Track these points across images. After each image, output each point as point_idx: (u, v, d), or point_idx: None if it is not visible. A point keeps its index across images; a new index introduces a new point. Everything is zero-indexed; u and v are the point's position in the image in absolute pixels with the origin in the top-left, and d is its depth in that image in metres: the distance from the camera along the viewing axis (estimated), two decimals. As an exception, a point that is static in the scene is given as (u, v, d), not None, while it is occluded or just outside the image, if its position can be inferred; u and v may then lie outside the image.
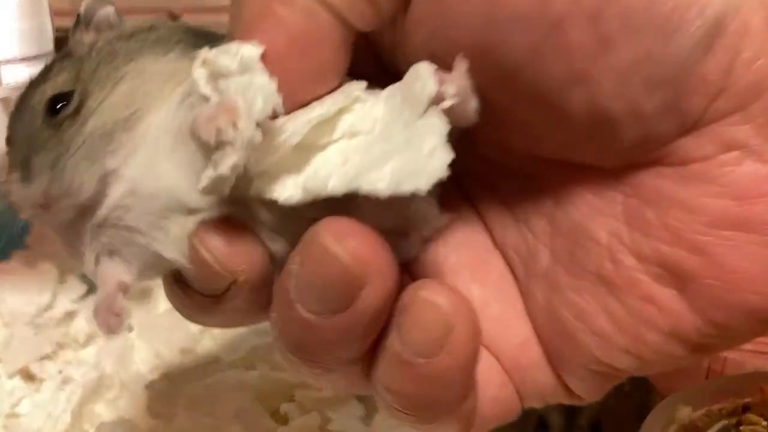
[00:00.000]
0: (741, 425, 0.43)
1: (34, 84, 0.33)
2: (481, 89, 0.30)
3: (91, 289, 0.69)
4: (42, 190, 0.30)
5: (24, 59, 0.52)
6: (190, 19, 0.98)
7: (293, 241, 0.31)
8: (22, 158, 0.30)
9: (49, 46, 0.54)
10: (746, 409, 0.44)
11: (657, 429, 0.43)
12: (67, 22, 1.07)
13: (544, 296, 0.33)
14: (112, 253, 0.32)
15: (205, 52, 0.29)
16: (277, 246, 0.31)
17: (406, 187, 0.27)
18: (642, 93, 0.28)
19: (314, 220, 0.30)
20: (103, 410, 0.60)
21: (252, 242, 0.31)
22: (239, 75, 0.28)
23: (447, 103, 0.29)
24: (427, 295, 0.29)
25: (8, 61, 0.50)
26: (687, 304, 0.30)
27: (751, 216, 0.29)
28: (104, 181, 0.31)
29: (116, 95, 0.31)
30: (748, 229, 0.29)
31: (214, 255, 0.31)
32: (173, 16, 0.95)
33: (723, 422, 0.43)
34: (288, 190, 0.29)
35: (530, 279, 0.34)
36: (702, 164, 0.29)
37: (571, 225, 0.32)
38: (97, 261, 0.32)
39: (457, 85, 0.29)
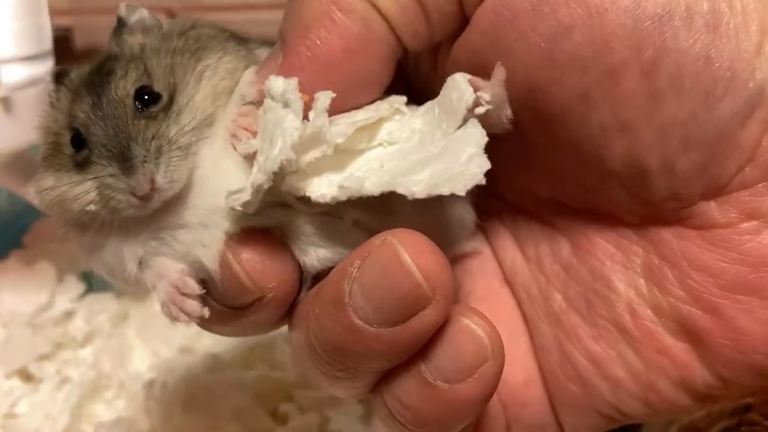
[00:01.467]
0: (742, 425, 0.43)
1: (93, 83, 0.32)
2: (523, 128, 0.31)
3: (90, 288, 0.69)
4: (149, 179, 0.29)
5: (23, 58, 0.51)
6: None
7: (335, 244, 0.31)
8: (119, 151, 0.30)
9: (48, 45, 0.54)
10: (748, 409, 0.44)
11: (658, 429, 0.43)
12: (66, 21, 1.06)
13: (556, 338, 0.34)
14: (158, 254, 0.32)
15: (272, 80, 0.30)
16: (318, 254, 0.31)
17: (443, 189, 0.28)
18: (678, 151, 0.29)
19: (356, 222, 0.31)
20: (102, 410, 0.60)
21: (285, 259, 0.31)
22: (282, 106, 0.29)
23: (481, 109, 0.29)
24: (469, 324, 0.29)
25: (7, 61, 0.50)
26: (698, 358, 0.31)
27: (765, 284, 0.30)
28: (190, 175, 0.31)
29: (203, 91, 0.32)
30: (762, 295, 0.30)
31: (245, 270, 0.31)
32: (171, 14, 0.94)
33: (724, 423, 0.43)
34: (322, 188, 0.30)
35: (540, 320, 0.35)
36: (724, 231, 0.30)
37: (588, 273, 0.33)
38: (141, 265, 0.32)
39: (492, 92, 0.29)
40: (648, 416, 0.33)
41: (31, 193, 0.33)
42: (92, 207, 0.31)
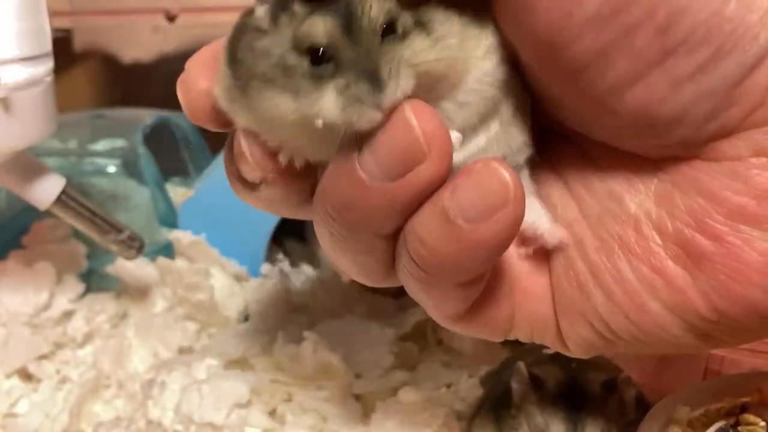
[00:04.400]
0: (739, 425, 0.43)
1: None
2: (547, 80, 0.33)
3: (89, 288, 0.69)
4: (394, 100, 0.31)
5: (23, 59, 0.51)
6: (187, 19, 0.98)
7: None
8: (370, 70, 0.31)
9: (48, 46, 0.54)
10: (744, 409, 0.44)
11: (655, 428, 0.43)
12: (66, 23, 1.07)
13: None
14: None
15: None
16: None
17: None
18: (689, 101, 0.31)
19: None
20: (101, 410, 0.60)
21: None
22: None
23: None
24: (497, 166, 0.31)
25: (7, 62, 0.50)
26: (694, 285, 0.32)
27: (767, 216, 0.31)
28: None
29: (451, 32, 0.33)
30: (764, 228, 0.31)
31: (251, 151, 0.34)
32: (170, 17, 0.95)
33: (721, 422, 0.43)
34: None
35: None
36: (733, 162, 0.31)
37: (605, 192, 0.35)
38: None
39: None
40: (636, 339, 0.34)
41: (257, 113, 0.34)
42: (336, 118, 0.31)
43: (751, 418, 0.44)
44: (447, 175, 0.31)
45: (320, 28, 0.32)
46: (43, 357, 0.63)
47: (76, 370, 0.62)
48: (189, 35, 0.97)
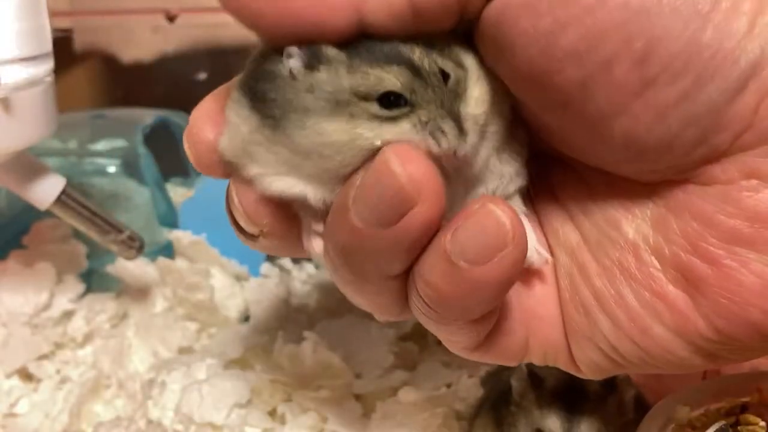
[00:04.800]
0: (739, 425, 0.43)
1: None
2: (535, 111, 0.33)
3: (89, 288, 0.69)
4: (466, 150, 0.32)
5: (23, 59, 0.51)
6: (187, 19, 0.98)
7: None
8: (454, 113, 0.31)
9: (48, 46, 0.54)
10: (744, 409, 0.44)
11: (654, 428, 0.43)
12: (66, 23, 1.06)
13: (568, 268, 0.36)
14: None
15: None
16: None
17: None
18: (675, 128, 0.31)
19: None
20: (101, 410, 0.60)
21: (278, 204, 0.35)
22: None
23: None
24: (494, 208, 0.31)
25: (7, 62, 0.50)
26: (695, 308, 0.32)
27: (761, 238, 0.31)
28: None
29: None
30: (758, 249, 0.31)
31: (244, 208, 0.35)
32: (170, 17, 0.95)
33: (721, 422, 0.43)
34: None
35: (559, 249, 0.37)
36: (725, 186, 0.32)
37: (603, 218, 0.35)
38: None
39: None
40: (644, 361, 0.35)
41: (310, 135, 0.32)
42: (413, 138, 0.32)
43: (751, 418, 0.44)
44: (441, 214, 0.31)
45: (394, 78, 0.32)
46: (43, 357, 0.63)
47: (76, 370, 0.62)
48: (189, 35, 0.97)
